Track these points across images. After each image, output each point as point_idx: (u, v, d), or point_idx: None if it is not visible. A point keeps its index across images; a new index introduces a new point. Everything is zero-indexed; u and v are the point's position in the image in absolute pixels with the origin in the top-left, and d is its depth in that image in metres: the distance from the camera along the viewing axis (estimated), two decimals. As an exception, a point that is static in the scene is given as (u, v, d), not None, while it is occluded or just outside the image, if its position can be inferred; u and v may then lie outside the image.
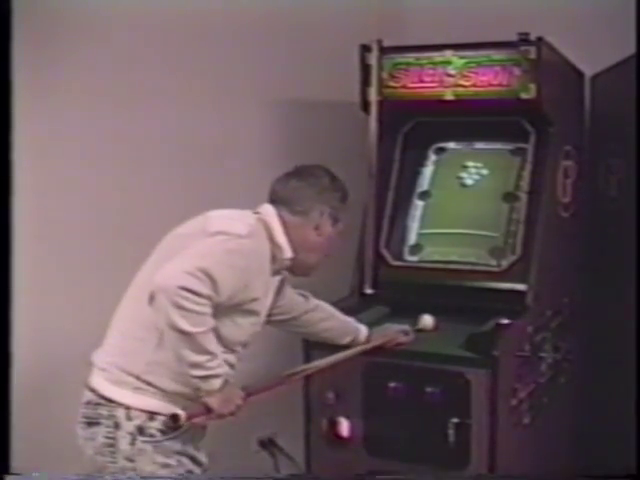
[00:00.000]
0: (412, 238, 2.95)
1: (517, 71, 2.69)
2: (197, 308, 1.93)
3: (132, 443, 2.03)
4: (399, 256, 2.92)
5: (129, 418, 2.03)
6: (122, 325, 2.13)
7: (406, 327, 2.54)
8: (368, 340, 2.51)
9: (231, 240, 2.04)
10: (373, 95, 2.87)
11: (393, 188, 2.99)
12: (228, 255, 2.02)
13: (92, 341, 2.62)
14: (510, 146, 2.92)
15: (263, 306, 2.18)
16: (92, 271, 2.66)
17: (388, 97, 2.87)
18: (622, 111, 2.83)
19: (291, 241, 2.19)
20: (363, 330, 2.52)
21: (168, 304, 1.92)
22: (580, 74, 3.13)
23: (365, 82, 2.89)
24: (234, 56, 2.91)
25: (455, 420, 2.43)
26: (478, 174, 2.97)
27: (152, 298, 1.96)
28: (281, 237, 2.18)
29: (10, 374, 2.16)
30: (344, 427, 2.60)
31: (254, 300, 2.11)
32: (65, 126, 2.56)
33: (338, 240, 2.32)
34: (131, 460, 2.03)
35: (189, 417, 2.00)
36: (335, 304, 2.70)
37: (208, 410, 2.03)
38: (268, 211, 2.21)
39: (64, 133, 2.57)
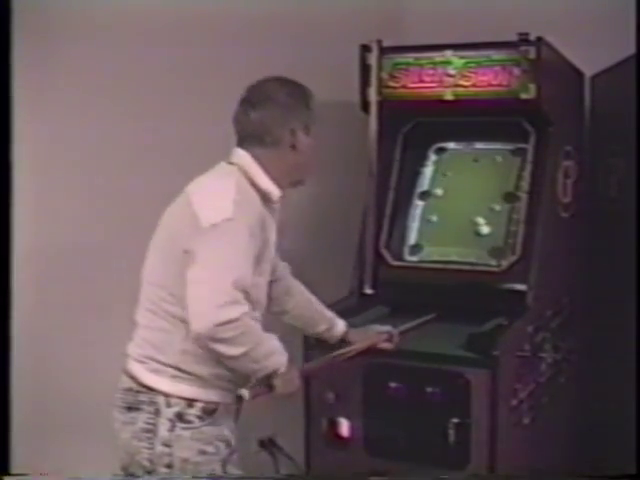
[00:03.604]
0: (412, 238, 2.95)
1: (517, 71, 2.69)
2: (240, 331, 1.96)
3: (171, 429, 2.05)
4: (399, 256, 2.92)
5: (169, 405, 2.05)
6: (146, 320, 2.13)
7: (389, 328, 2.50)
8: (346, 334, 2.48)
9: (228, 229, 1.99)
10: (373, 95, 2.87)
11: (393, 188, 3.00)
12: (234, 245, 1.99)
13: (92, 342, 2.63)
14: (510, 146, 2.92)
15: (270, 251, 2.18)
16: (92, 270, 2.66)
17: (388, 97, 2.87)
18: (622, 111, 2.83)
19: (274, 176, 2.14)
20: (340, 323, 2.49)
21: (213, 343, 1.96)
22: (580, 74, 3.13)
23: (365, 82, 2.89)
24: (234, 56, 2.91)
25: (455, 420, 2.43)
26: (478, 174, 2.97)
27: (196, 339, 1.98)
28: (265, 182, 2.12)
29: (10, 374, 2.17)
30: (344, 427, 2.60)
31: (267, 250, 2.12)
32: (65, 126, 2.56)
33: (320, 146, 2.25)
34: (168, 446, 2.05)
35: (254, 396, 2.05)
36: (335, 304, 2.70)
37: (270, 389, 2.07)
38: (244, 159, 2.13)
39: (64, 133, 2.56)
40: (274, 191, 2.15)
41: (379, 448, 2.57)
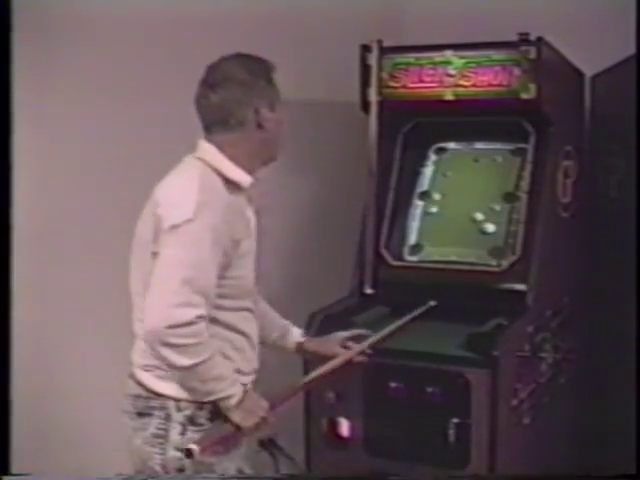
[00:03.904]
0: (412, 238, 2.95)
1: (517, 71, 2.69)
2: (192, 340, 1.90)
3: (183, 433, 2.03)
4: (399, 256, 2.92)
5: (179, 409, 2.03)
6: (141, 331, 2.06)
7: (358, 332, 2.39)
8: (303, 344, 2.38)
9: (186, 231, 1.92)
10: (373, 95, 2.87)
11: (393, 188, 2.99)
12: (193, 246, 1.92)
13: (92, 341, 2.63)
14: (510, 146, 2.92)
15: (251, 240, 2.11)
16: (92, 271, 2.66)
17: (388, 97, 2.87)
18: (622, 111, 2.83)
19: (243, 161, 2.06)
20: (295, 331, 2.40)
21: (161, 347, 1.89)
22: (580, 74, 3.13)
23: (365, 82, 2.89)
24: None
25: (455, 420, 2.43)
26: (478, 174, 2.97)
27: (146, 342, 1.93)
28: (233, 172, 2.04)
29: (10, 374, 2.17)
30: (344, 427, 2.60)
31: (242, 241, 2.03)
32: (65, 126, 2.56)
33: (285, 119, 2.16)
34: (181, 450, 2.01)
35: (203, 450, 1.96)
36: (335, 304, 2.70)
37: (234, 431, 2.02)
38: (209, 152, 2.05)
39: (64, 133, 2.56)
40: (243, 179, 2.06)
41: (379, 448, 2.57)
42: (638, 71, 2.64)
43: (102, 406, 2.62)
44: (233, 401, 2.00)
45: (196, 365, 1.92)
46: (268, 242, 3.01)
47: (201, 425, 2.03)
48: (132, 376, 2.10)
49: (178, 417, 2.03)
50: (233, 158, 2.06)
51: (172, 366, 1.94)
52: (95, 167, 2.63)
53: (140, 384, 2.08)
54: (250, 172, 2.10)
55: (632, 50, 2.68)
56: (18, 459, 2.19)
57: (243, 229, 2.06)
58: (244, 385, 2.07)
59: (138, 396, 2.08)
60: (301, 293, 3.06)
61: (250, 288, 2.13)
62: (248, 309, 2.11)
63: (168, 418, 2.03)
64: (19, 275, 2.28)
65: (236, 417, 2.01)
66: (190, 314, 1.88)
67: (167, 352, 1.90)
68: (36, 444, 2.43)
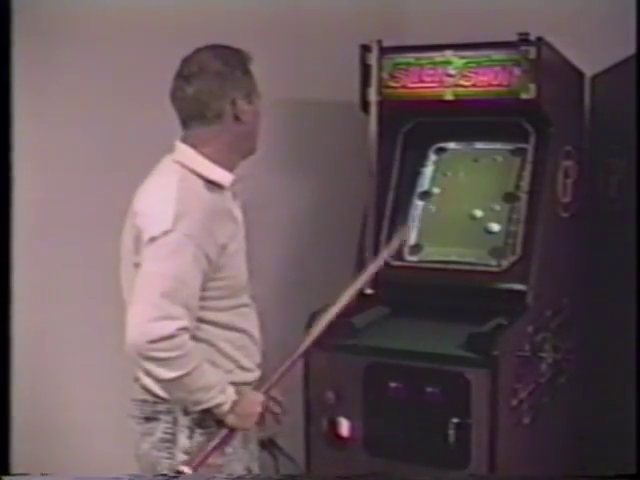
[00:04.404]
0: (412, 238, 2.95)
1: (517, 71, 2.69)
2: (175, 353, 1.86)
3: (190, 436, 2.02)
4: (399, 256, 2.91)
5: (186, 413, 2.02)
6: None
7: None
8: None
9: (165, 243, 1.88)
10: (373, 95, 2.87)
11: (393, 188, 3.00)
12: (172, 258, 1.88)
13: (92, 342, 2.63)
14: (510, 146, 2.92)
15: (240, 237, 2.06)
16: (92, 271, 2.65)
17: (388, 97, 2.87)
18: (622, 111, 2.83)
19: (222, 157, 2.01)
20: None
21: (144, 361, 1.87)
22: (580, 74, 3.13)
23: (365, 82, 2.89)
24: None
25: (455, 420, 2.43)
26: (478, 174, 2.97)
27: (129, 357, 1.89)
28: (213, 172, 1.99)
29: (10, 374, 2.16)
30: (344, 427, 2.60)
31: (229, 245, 1.99)
32: (65, 126, 2.56)
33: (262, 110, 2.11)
34: (189, 453, 2.01)
35: (195, 468, 1.96)
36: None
37: (225, 435, 2.01)
38: (186, 154, 2.01)
39: (64, 133, 2.56)
40: (224, 178, 2.02)
41: (379, 448, 2.57)
42: (638, 71, 2.64)
43: (102, 406, 2.63)
44: (225, 408, 1.97)
45: (180, 377, 1.89)
46: (268, 242, 3.02)
47: (208, 427, 2.02)
48: (137, 380, 2.08)
49: (185, 421, 2.02)
50: (211, 156, 2.01)
51: (156, 379, 1.92)
52: (95, 166, 2.63)
53: (146, 389, 2.06)
54: (230, 168, 2.06)
55: (632, 50, 2.68)
56: (18, 459, 2.19)
57: (229, 229, 2.01)
58: (246, 384, 2.06)
59: (145, 401, 2.07)
60: (301, 293, 3.06)
61: (244, 284, 2.10)
62: (245, 305, 2.10)
63: (175, 422, 2.03)
64: (19, 275, 2.28)
65: (232, 421, 2.00)
66: (170, 327, 1.85)
67: (150, 366, 1.88)
68: (36, 444, 2.42)
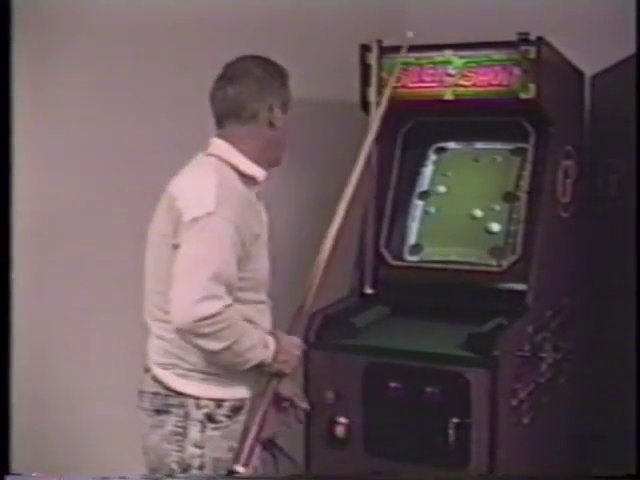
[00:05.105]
0: (412, 238, 2.95)
1: (517, 71, 2.69)
2: (220, 326, 1.94)
3: (202, 431, 2.05)
4: (399, 256, 2.92)
5: (198, 407, 2.05)
6: (162, 331, 2.08)
7: None
8: None
9: (207, 223, 1.96)
10: (373, 95, 2.87)
11: (393, 188, 3.00)
12: (215, 239, 1.96)
13: (92, 342, 2.63)
14: (510, 146, 2.92)
15: (265, 234, 2.15)
16: (92, 271, 2.66)
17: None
18: (622, 111, 2.83)
19: (253, 155, 2.11)
20: None
21: (194, 338, 1.94)
22: (580, 74, 3.13)
23: (365, 82, 2.89)
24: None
25: (455, 420, 2.43)
26: (478, 174, 2.97)
27: (178, 334, 1.97)
28: (248, 166, 2.10)
29: (10, 374, 2.16)
30: (344, 427, 2.60)
31: (260, 235, 2.10)
32: (65, 124, 2.56)
33: (294, 123, 2.23)
34: (200, 447, 2.05)
35: (246, 464, 2.03)
36: (335, 304, 2.70)
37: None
38: (221, 147, 2.11)
39: (64, 131, 2.57)
40: (258, 173, 2.12)
41: (379, 448, 2.57)
42: (638, 71, 2.64)
43: (102, 406, 2.63)
44: (269, 360, 2.06)
45: (230, 346, 1.97)
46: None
47: (220, 422, 2.06)
48: (149, 372, 2.11)
49: (197, 415, 2.05)
50: (246, 153, 2.10)
51: (207, 352, 1.98)
52: (94, 163, 2.63)
53: (158, 381, 2.09)
54: (261, 169, 2.14)
55: (632, 50, 2.68)
56: (18, 459, 2.19)
57: (258, 223, 2.10)
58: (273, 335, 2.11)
59: (156, 393, 2.09)
60: (301, 293, 3.06)
61: (265, 281, 2.16)
62: (263, 302, 2.15)
63: (187, 416, 2.05)
64: (19, 275, 2.28)
65: (276, 369, 2.09)
66: (217, 306, 1.92)
67: (200, 341, 1.95)
68: (36, 444, 2.43)
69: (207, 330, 1.92)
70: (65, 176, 2.59)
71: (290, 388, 2.24)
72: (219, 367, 2.04)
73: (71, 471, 2.40)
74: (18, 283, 2.26)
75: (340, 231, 2.34)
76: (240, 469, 2.02)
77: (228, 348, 1.97)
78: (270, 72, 2.16)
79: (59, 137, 2.56)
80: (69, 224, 2.61)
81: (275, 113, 2.14)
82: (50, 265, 2.57)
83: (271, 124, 2.14)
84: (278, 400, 2.19)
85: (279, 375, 2.11)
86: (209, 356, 2.00)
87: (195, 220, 1.96)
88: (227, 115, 2.12)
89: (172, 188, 2.09)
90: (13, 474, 2.13)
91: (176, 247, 1.99)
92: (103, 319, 2.64)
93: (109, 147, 2.65)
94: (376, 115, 2.58)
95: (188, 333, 1.93)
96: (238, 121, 2.11)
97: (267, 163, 2.17)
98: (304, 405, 2.29)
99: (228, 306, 1.95)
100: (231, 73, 2.14)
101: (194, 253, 1.96)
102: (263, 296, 2.15)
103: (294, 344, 2.14)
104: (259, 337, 2.05)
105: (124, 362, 2.57)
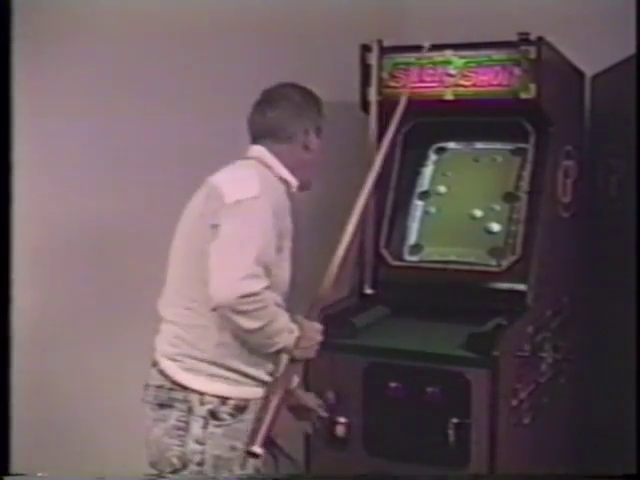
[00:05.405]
0: (412, 238, 2.95)
1: (517, 71, 2.69)
2: (260, 304, 2.00)
3: (204, 427, 2.06)
4: (399, 256, 2.92)
5: (202, 403, 2.06)
6: (181, 318, 2.12)
7: None
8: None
9: (252, 206, 2.05)
10: (373, 95, 2.87)
11: (393, 188, 2.99)
12: (257, 222, 2.04)
13: (92, 341, 2.63)
14: (510, 146, 2.92)
15: (290, 236, 2.21)
16: (92, 270, 2.66)
17: (388, 97, 2.87)
18: (622, 111, 2.83)
19: (287, 168, 2.22)
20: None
21: (233, 315, 1.99)
22: (580, 74, 3.13)
23: (365, 82, 2.89)
24: (234, 57, 2.91)
25: (455, 420, 2.43)
26: (478, 174, 2.97)
27: (216, 310, 2.02)
28: (284, 171, 2.21)
29: (10, 374, 2.16)
30: (344, 427, 2.60)
31: (288, 234, 2.17)
32: (65, 125, 2.56)
33: (325, 147, 2.33)
34: (201, 443, 2.06)
35: (263, 444, 2.06)
36: (335, 304, 2.70)
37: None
38: (260, 152, 2.21)
39: (64, 132, 2.56)
40: (292, 180, 2.22)
41: (379, 448, 2.57)
42: (638, 71, 2.64)
43: (102, 406, 2.63)
44: (290, 346, 2.11)
45: (264, 326, 2.03)
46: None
47: (222, 420, 2.07)
48: (156, 365, 2.12)
49: (200, 410, 2.06)
50: (281, 162, 2.21)
51: (242, 330, 2.03)
52: (95, 164, 2.63)
53: (164, 374, 2.10)
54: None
55: (632, 50, 2.68)
56: (18, 459, 2.19)
57: (289, 221, 2.18)
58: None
59: (160, 387, 2.10)
60: (301, 293, 3.06)
61: (286, 283, 2.20)
62: (279, 304, 2.15)
63: (190, 411, 2.06)
64: (19, 274, 2.28)
65: (298, 354, 2.14)
66: (258, 285, 1.99)
67: (239, 318, 2.00)
68: (36, 444, 2.42)
69: (247, 307, 1.98)
70: (65, 173, 2.58)
71: (311, 398, 2.38)
72: (227, 359, 2.06)
73: (71, 471, 2.40)
74: (18, 282, 2.26)
75: (358, 225, 2.42)
76: (257, 450, 2.04)
77: (261, 329, 2.02)
78: (307, 99, 2.29)
79: (59, 135, 2.55)
80: (69, 224, 2.61)
81: (310, 137, 2.26)
82: (51, 265, 2.57)
83: (306, 147, 2.25)
84: (300, 409, 2.30)
85: (300, 361, 2.17)
86: (243, 335, 2.05)
87: (239, 202, 2.04)
88: (265, 135, 2.23)
89: (213, 179, 2.16)
90: (13, 474, 2.13)
91: (214, 227, 2.04)
92: (105, 319, 2.64)
93: (109, 145, 2.65)
94: (396, 115, 2.60)
95: (228, 309, 1.98)
96: (275, 140, 2.22)
97: (299, 181, 2.26)
98: (324, 414, 2.40)
99: (266, 288, 2.01)
100: (271, 97, 2.27)
101: (239, 232, 2.03)
102: (279, 299, 2.16)
103: (316, 329, 2.18)
104: (285, 322, 2.11)
105: (125, 362, 2.57)
